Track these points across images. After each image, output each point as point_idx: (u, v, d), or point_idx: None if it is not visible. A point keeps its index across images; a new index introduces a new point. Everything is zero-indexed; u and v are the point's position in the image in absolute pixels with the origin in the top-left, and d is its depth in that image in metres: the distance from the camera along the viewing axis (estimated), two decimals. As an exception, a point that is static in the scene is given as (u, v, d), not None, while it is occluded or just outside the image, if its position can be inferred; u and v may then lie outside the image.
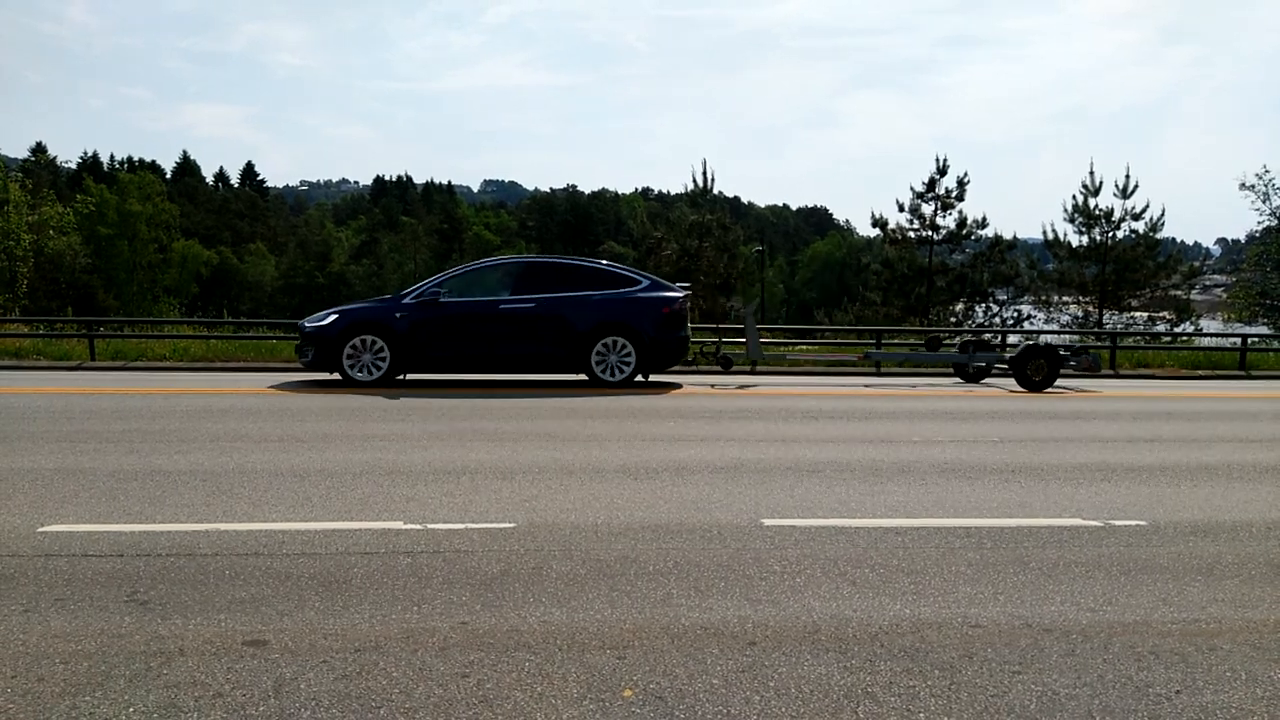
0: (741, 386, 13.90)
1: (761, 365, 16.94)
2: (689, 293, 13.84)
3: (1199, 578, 4.60)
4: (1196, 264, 38.03)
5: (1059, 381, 15.09)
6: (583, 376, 13.25)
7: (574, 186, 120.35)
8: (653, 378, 14.40)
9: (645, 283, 13.44)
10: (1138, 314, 34.95)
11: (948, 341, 18.15)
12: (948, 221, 37.11)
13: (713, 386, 13.81)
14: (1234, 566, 4.81)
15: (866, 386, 14.45)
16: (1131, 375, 18.90)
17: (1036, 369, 14.12)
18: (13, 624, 3.70)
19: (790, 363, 18.31)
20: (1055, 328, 34.47)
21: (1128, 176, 34.65)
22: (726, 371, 15.92)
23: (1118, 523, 5.65)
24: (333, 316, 12.81)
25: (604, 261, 14.42)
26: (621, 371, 13.01)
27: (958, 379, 15.76)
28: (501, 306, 12.96)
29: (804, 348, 21.58)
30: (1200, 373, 19.87)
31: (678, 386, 13.62)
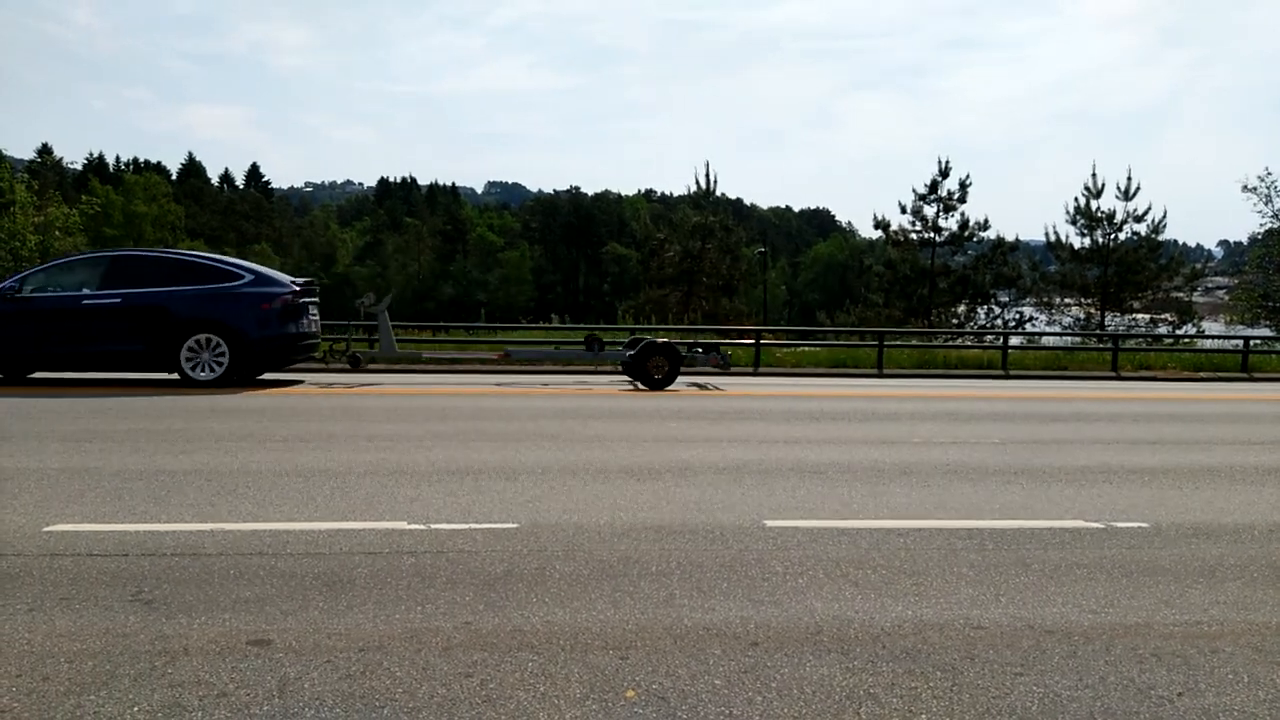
0: (363, 385, 13.60)
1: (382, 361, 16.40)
2: (305, 288, 13.43)
3: (1201, 580, 4.60)
4: (1198, 266, 38.06)
5: (698, 379, 15.17)
6: (176, 375, 12.67)
7: (577, 188, 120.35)
8: (272, 376, 14.15)
9: (248, 277, 12.95)
10: (1140, 316, 34.99)
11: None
12: (950, 223, 37.22)
13: (328, 386, 13.41)
14: (1236, 569, 4.81)
15: (498, 385, 14.07)
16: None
17: (656, 367, 13.87)
18: (18, 623, 3.72)
19: (429, 360, 17.40)
20: (1057, 329, 34.49)
21: (1129, 178, 34.75)
22: (356, 370, 15.46)
23: (1119, 525, 5.65)
24: None
25: (206, 255, 13.95)
26: (215, 370, 12.50)
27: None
28: (84, 302, 12.45)
29: (450, 345, 20.63)
30: (1202, 374, 19.87)
31: (292, 384, 13.41)
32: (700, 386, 14.41)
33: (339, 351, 15.74)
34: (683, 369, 14.32)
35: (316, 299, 14.15)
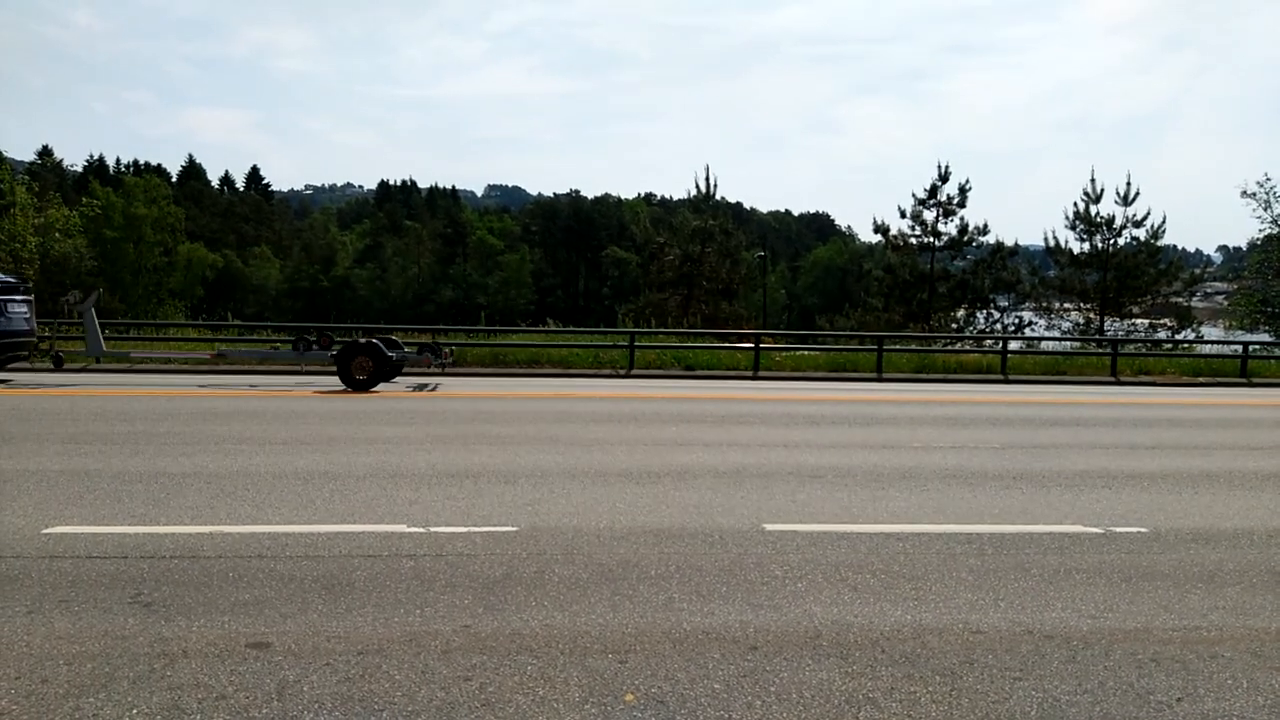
0: (56, 386, 13.18)
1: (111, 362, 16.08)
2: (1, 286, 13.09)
3: (1200, 585, 4.61)
4: (1198, 271, 38.01)
5: (425, 379, 15.03)
6: None
7: (577, 191, 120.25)
8: None
9: None
10: (1139, 321, 34.97)
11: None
12: (949, 228, 37.18)
13: (17, 388, 13.03)
14: (1235, 574, 4.81)
15: (201, 387, 13.57)
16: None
17: (359, 367, 13.41)
18: (17, 625, 3.72)
19: (138, 360, 16.72)
20: (1056, 334, 34.49)
21: (1129, 184, 34.68)
22: (58, 369, 15.05)
23: (1119, 530, 5.65)
24: None
25: None
26: None
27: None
28: None
29: (161, 345, 20.10)
30: (1201, 380, 19.87)
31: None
32: (421, 387, 14.14)
33: (43, 351, 15.39)
34: (407, 369, 14.15)
35: (24, 296, 13.91)
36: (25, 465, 6.89)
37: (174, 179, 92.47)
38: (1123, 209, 34.72)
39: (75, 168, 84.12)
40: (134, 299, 61.58)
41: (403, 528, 5.28)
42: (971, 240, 37.17)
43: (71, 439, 8.09)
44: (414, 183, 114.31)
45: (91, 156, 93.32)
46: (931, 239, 37.31)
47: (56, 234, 37.42)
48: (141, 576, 4.34)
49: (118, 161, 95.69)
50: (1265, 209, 34.68)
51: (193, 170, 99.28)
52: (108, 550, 4.75)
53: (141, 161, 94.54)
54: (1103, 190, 34.88)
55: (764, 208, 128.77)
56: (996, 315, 37.45)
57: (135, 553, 4.71)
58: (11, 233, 33.62)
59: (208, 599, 4.05)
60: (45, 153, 73.68)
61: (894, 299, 37.07)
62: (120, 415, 9.70)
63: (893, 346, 21.90)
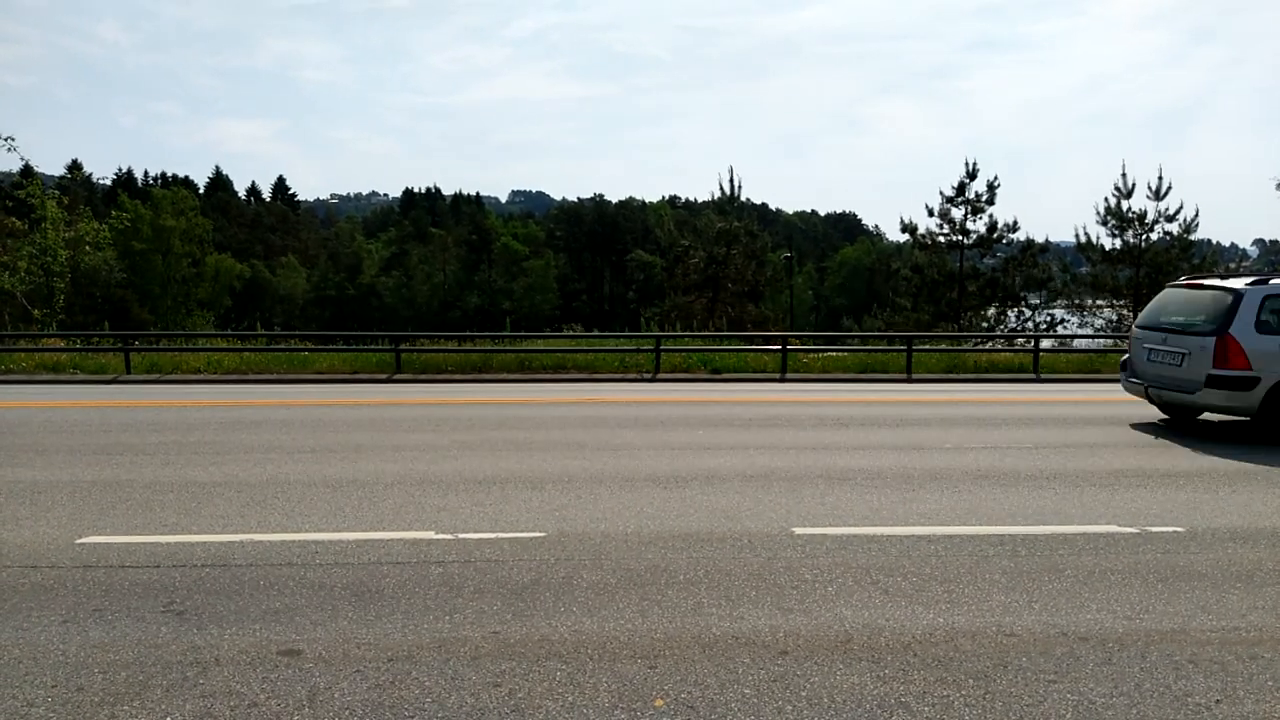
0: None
1: None
2: None
3: (1239, 585, 4.53)
4: (1233, 265, 37.44)
5: None
6: None
7: (601, 195, 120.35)
8: None
9: None
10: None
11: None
12: (978, 226, 36.82)
13: None
14: (1275, 573, 4.73)
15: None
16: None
17: None
18: (52, 634, 3.76)
19: None
20: (1089, 331, 34.10)
21: (1160, 178, 34.20)
22: None
23: (1154, 529, 5.57)
24: None
25: None
26: None
27: None
28: None
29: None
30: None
31: None
32: None
33: None
34: None
35: None
36: (59, 476, 6.98)
37: (201, 190, 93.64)
38: (1155, 204, 34.27)
39: (104, 181, 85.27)
40: (163, 310, 62.46)
41: (431, 535, 5.30)
42: (1001, 238, 36.82)
43: (103, 450, 8.19)
44: (439, 190, 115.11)
45: (120, 169, 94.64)
46: (960, 237, 37.01)
47: (87, 247, 37.85)
48: (174, 585, 4.38)
49: (145, 174, 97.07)
50: (1301, 201, 34.13)
51: (219, 181, 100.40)
52: (140, 559, 4.79)
53: (169, 173, 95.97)
54: (1134, 185, 34.44)
55: (789, 208, 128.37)
56: (1028, 313, 37.07)
57: (167, 562, 4.76)
58: (43, 246, 34.09)
59: (239, 607, 4.08)
60: (75, 166, 74.68)
61: (923, 298, 36.79)
62: (151, 425, 9.81)
63: (922, 346, 21.71)
